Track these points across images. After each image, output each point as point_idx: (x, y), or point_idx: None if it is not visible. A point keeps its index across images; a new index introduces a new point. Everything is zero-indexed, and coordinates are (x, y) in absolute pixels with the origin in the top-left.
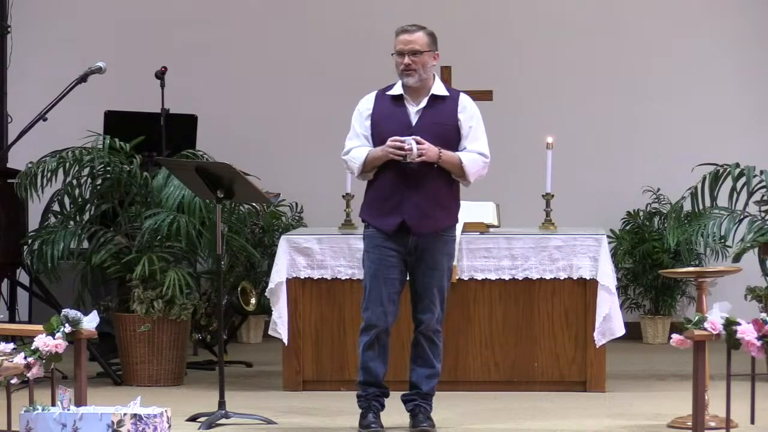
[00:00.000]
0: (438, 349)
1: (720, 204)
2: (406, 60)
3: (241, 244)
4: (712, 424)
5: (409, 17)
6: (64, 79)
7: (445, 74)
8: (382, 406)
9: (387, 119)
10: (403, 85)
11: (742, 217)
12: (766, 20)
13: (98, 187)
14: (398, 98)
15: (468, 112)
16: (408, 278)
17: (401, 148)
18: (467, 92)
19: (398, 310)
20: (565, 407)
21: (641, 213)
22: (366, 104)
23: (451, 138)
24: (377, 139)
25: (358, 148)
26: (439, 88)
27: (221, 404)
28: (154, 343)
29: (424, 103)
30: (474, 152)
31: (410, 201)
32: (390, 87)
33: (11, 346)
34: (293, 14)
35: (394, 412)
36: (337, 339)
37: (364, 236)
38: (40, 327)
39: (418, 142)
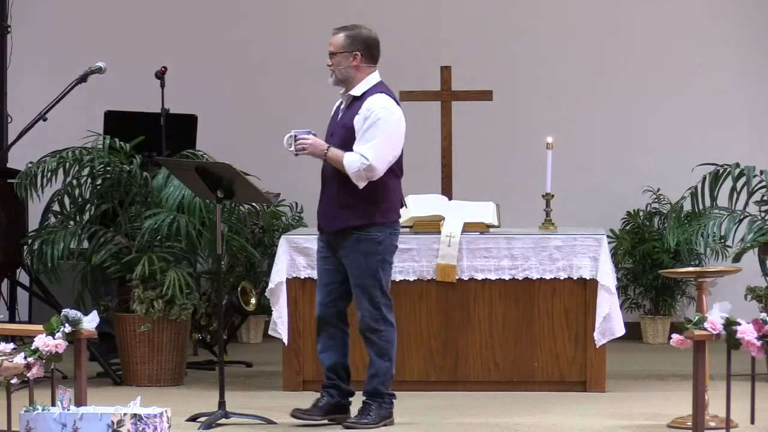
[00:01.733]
0: (378, 347)
1: (720, 204)
2: (328, 61)
3: (241, 244)
4: (712, 424)
5: (409, 17)
6: (64, 79)
7: (445, 74)
8: (332, 398)
9: (330, 120)
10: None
11: (742, 217)
12: (766, 20)
13: (98, 187)
14: (341, 102)
15: (364, 114)
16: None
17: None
18: (467, 92)
19: (341, 303)
20: (565, 407)
21: (641, 213)
22: (335, 104)
23: (347, 140)
24: None
25: None
26: (358, 89)
27: (221, 404)
28: (154, 343)
29: (345, 104)
30: (354, 152)
31: (322, 200)
32: None
33: (11, 346)
34: (293, 14)
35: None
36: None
37: None
38: (40, 327)
39: (299, 138)
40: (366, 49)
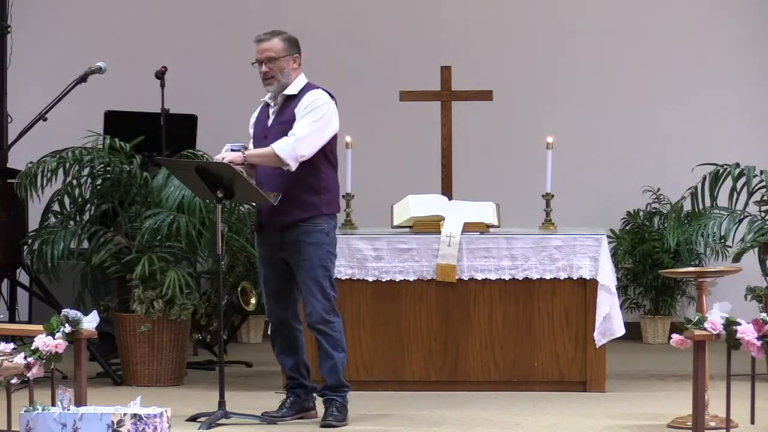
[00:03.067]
0: (333, 339)
1: (720, 204)
2: (263, 68)
3: (241, 244)
4: (712, 424)
5: (410, 17)
6: (64, 79)
7: (445, 74)
8: (299, 397)
9: (256, 125)
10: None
11: (742, 217)
12: (766, 20)
13: (98, 187)
14: (267, 104)
15: (302, 105)
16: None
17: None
18: (467, 92)
19: (292, 304)
20: (565, 407)
21: (641, 213)
22: (254, 114)
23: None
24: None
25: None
26: (293, 88)
27: (221, 404)
28: (154, 343)
29: (278, 104)
30: (290, 135)
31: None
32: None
33: (11, 346)
34: (293, 14)
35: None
36: None
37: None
38: (40, 327)
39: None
40: (299, 51)
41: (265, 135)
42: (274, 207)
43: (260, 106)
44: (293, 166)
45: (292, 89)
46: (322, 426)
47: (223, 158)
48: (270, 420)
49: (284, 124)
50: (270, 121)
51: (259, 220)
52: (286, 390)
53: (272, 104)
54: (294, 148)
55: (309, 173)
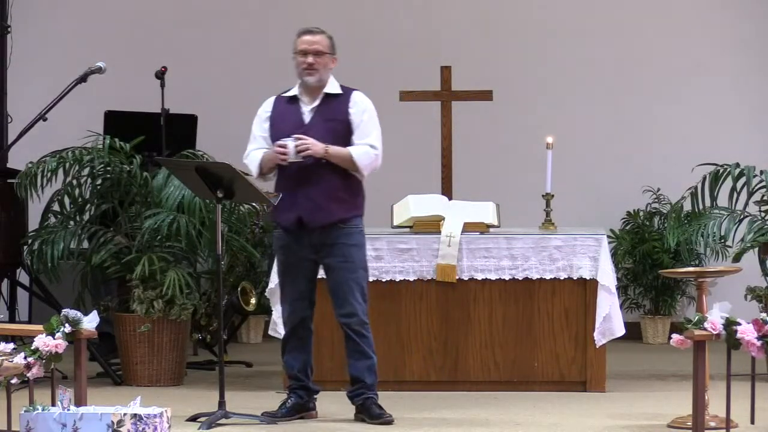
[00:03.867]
0: (369, 340)
1: (720, 204)
2: (310, 59)
3: (241, 244)
4: (712, 424)
5: (409, 17)
6: (64, 79)
7: (445, 74)
8: (301, 398)
9: (282, 119)
10: (300, 87)
11: (742, 217)
12: (765, 20)
13: (98, 187)
14: (293, 99)
15: (358, 107)
16: (326, 277)
17: (283, 152)
18: (467, 92)
19: (312, 305)
20: (565, 407)
21: (641, 213)
22: (265, 107)
23: (343, 133)
24: (273, 139)
25: (256, 150)
26: (333, 88)
27: (221, 404)
28: (154, 343)
29: (317, 101)
30: (363, 144)
31: (305, 196)
32: (288, 90)
33: (11, 346)
34: (293, 14)
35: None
36: (337, 339)
37: (273, 237)
38: (40, 327)
39: (300, 141)
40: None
41: (303, 131)
42: (315, 206)
43: (274, 100)
44: (365, 175)
45: (332, 88)
46: (383, 423)
47: (311, 142)
48: (270, 420)
49: (332, 122)
50: (308, 117)
51: (291, 218)
52: (288, 390)
53: (303, 99)
54: (375, 160)
55: (351, 174)
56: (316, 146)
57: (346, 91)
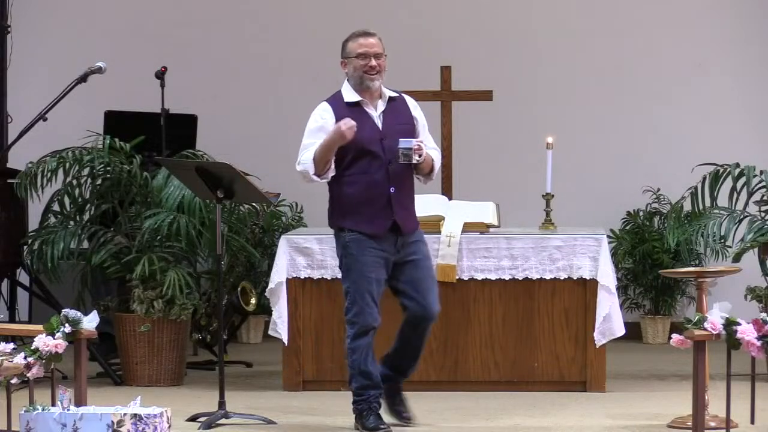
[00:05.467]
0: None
1: (720, 204)
2: (372, 62)
3: (241, 244)
4: (712, 424)
5: (409, 17)
6: (64, 79)
7: (445, 74)
8: (380, 405)
9: (357, 128)
10: (358, 91)
11: (742, 217)
12: (765, 20)
13: (98, 187)
14: (356, 105)
15: (418, 110)
16: (394, 275)
17: (419, 148)
18: (467, 92)
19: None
20: (565, 407)
21: (641, 213)
22: (324, 115)
23: (413, 136)
24: (353, 148)
25: (309, 152)
26: (388, 91)
27: (221, 404)
28: (154, 343)
29: (382, 106)
30: (433, 150)
31: (397, 201)
32: (338, 95)
33: (11, 346)
34: (293, 14)
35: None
36: (337, 339)
37: (348, 241)
38: (40, 327)
39: (417, 147)
40: None
41: (382, 137)
42: (407, 212)
43: (331, 107)
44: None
45: (388, 92)
46: (407, 419)
47: (419, 145)
48: (270, 420)
49: (404, 125)
50: (380, 123)
51: (386, 225)
52: (367, 401)
53: (368, 105)
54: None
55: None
56: (423, 152)
57: (399, 94)
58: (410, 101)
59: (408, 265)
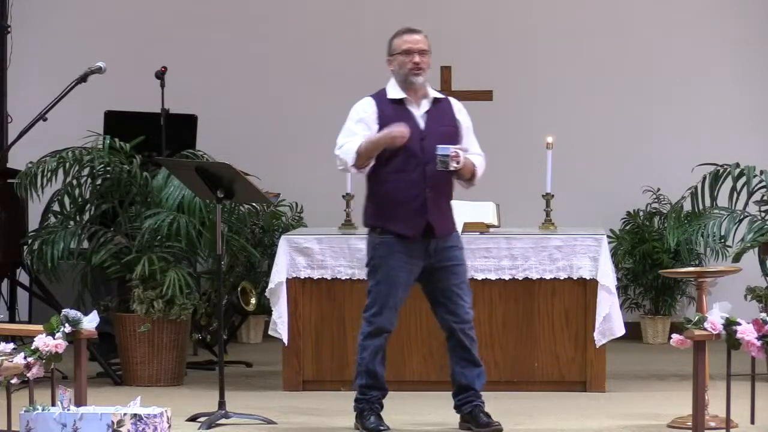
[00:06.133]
0: (477, 344)
1: (720, 204)
2: (416, 59)
3: (241, 244)
4: (712, 424)
5: (409, 18)
6: (64, 79)
7: (445, 74)
8: (382, 407)
9: (398, 122)
10: (402, 89)
11: (742, 217)
12: (765, 20)
13: (98, 187)
14: (399, 102)
15: (463, 113)
16: (427, 281)
17: (457, 155)
18: (467, 92)
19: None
20: (565, 407)
21: (641, 213)
22: (367, 108)
23: (455, 139)
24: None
25: (351, 142)
26: (434, 92)
27: (221, 404)
28: (154, 343)
29: (426, 106)
30: (477, 155)
31: (433, 203)
32: (382, 92)
33: (11, 346)
34: (293, 14)
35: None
36: (337, 339)
37: (378, 243)
38: (40, 327)
39: (456, 154)
40: None
41: (422, 136)
42: (443, 214)
43: (375, 102)
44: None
45: (434, 93)
46: (496, 429)
47: (459, 152)
48: (270, 420)
49: (447, 126)
50: (422, 122)
51: (419, 225)
52: (368, 401)
53: (412, 103)
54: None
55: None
56: (463, 158)
57: (444, 96)
58: (456, 104)
59: (441, 271)
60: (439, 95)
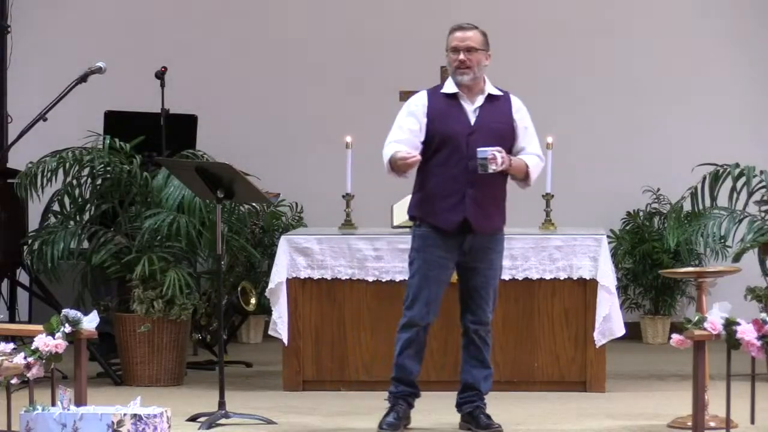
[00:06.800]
0: (490, 348)
1: (720, 204)
2: (461, 56)
3: (241, 244)
4: (712, 424)
5: (410, 18)
6: (64, 79)
7: (445, 74)
8: (410, 406)
9: (446, 118)
10: (457, 84)
11: (742, 217)
12: (765, 20)
13: (98, 187)
14: (452, 96)
15: (522, 112)
16: (459, 277)
17: (494, 158)
18: None
19: (439, 309)
20: (565, 407)
21: (641, 213)
22: (420, 101)
23: (508, 138)
24: (437, 138)
25: (393, 144)
26: (492, 88)
27: (221, 404)
28: (154, 343)
29: (480, 102)
30: (533, 155)
31: (472, 199)
32: (439, 85)
33: (11, 346)
34: (293, 14)
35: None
36: (337, 339)
37: (416, 235)
38: (40, 327)
39: (499, 157)
40: (490, 49)
41: (470, 131)
42: (482, 211)
43: (427, 95)
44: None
45: (491, 89)
46: (496, 431)
47: (497, 154)
48: (270, 420)
49: (498, 125)
50: (473, 118)
51: (456, 220)
52: (397, 397)
53: (465, 98)
54: (541, 170)
55: (506, 181)
56: (506, 161)
57: (504, 93)
58: (515, 102)
59: (471, 271)
60: (498, 92)
